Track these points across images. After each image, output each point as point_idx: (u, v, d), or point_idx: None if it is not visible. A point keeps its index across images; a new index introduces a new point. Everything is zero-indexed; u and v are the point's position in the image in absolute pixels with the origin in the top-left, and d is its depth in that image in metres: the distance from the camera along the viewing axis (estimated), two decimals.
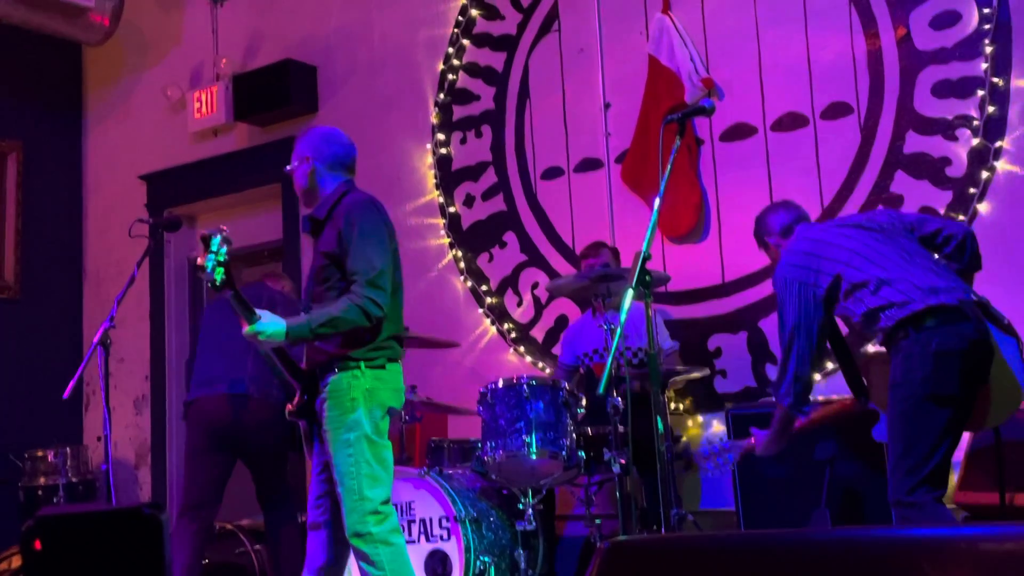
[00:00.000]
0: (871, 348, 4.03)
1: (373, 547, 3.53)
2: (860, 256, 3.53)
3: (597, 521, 4.33)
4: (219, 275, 3.35)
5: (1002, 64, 4.58)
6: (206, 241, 3.36)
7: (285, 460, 4.90)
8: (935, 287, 3.40)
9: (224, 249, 3.36)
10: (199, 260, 3.35)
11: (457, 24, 6.08)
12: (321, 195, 3.78)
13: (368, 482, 3.54)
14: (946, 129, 4.69)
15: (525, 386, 4.22)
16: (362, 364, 3.58)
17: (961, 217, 4.59)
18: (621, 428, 4.11)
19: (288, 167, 3.86)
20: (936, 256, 3.61)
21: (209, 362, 4.80)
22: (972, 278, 3.68)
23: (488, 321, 5.84)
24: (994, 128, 4.58)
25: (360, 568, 3.60)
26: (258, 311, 3.49)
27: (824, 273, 3.54)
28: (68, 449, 6.51)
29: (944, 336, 3.33)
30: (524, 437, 4.13)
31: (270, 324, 3.49)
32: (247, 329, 3.48)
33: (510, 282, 5.82)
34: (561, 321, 5.61)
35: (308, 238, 4.19)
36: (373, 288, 3.53)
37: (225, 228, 3.44)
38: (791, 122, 5.06)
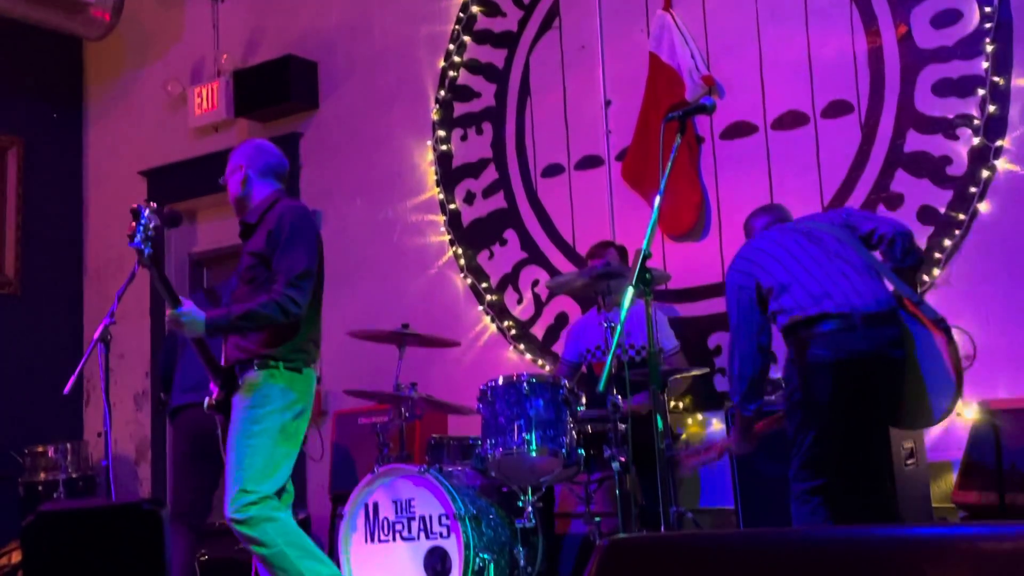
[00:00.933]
0: None
1: (258, 528, 3.56)
2: (773, 259, 3.63)
3: (596, 519, 4.33)
4: (147, 247, 3.51)
5: (1003, 63, 4.58)
6: (136, 214, 3.49)
7: None
8: (828, 293, 3.47)
9: (152, 224, 3.50)
10: (128, 231, 3.48)
11: (458, 20, 6.07)
12: (253, 202, 3.88)
13: (258, 477, 3.59)
14: (947, 128, 4.69)
15: (525, 384, 4.22)
16: (281, 365, 3.68)
17: (962, 216, 4.60)
18: (621, 426, 4.11)
19: (222, 179, 3.96)
20: (874, 254, 3.65)
21: (194, 366, 4.69)
22: (912, 276, 3.71)
23: (488, 319, 5.83)
24: (995, 127, 4.58)
25: (254, 554, 3.60)
26: (182, 299, 3.63)
27: (752, 276, 3.65)
28: (68, 445, 6.52)
29: (820, 346, 3.44)
30: (524, 435, 4.13)
31: (191, 312, 3.61)
32: (169, 313, 3.63)
33: (510, 279, 5.81)
34: (561, 319, 5.61)
35: None
36: (293, 287, 3.63)
37: (154, 204, 3.59)
38: (792, 120, 5.06)
